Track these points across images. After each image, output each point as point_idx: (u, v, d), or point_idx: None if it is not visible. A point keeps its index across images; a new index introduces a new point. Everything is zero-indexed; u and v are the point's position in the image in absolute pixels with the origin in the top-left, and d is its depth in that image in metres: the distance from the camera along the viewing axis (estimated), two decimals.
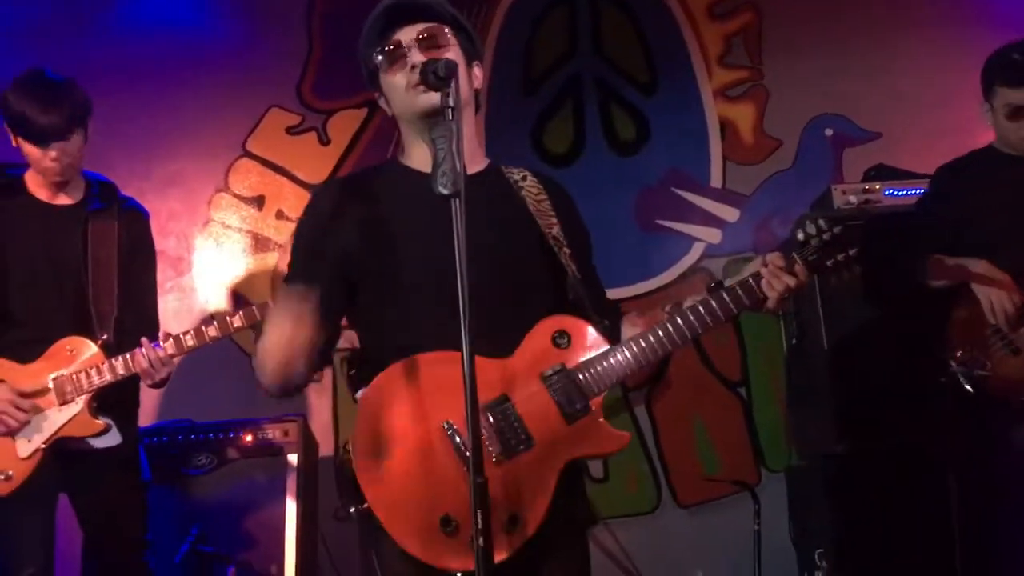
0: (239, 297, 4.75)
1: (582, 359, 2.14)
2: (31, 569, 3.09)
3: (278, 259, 2.30)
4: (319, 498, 3.92)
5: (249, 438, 3.76)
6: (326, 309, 2.14)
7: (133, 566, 3.23)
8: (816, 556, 3.98)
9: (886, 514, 3.78)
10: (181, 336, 3.17)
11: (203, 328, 3.19)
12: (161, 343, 3.15)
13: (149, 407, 4.39)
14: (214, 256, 4.79)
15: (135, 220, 3.45)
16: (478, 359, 2.00)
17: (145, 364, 3.12)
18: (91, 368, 3.14)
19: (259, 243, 4.81)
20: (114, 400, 3.22)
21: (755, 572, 4.19)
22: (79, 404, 3.13)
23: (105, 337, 3.20)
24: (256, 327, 3.04)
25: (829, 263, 2.22)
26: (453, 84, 1.97)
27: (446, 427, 2.03)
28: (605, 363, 2.14)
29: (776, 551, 4.27)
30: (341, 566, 4.03)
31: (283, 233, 4.81)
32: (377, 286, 2.21)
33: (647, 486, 4.61)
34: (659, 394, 4.68)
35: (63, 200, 3.35)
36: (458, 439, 2.01)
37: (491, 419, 2.05)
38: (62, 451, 3.14)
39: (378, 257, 2.21)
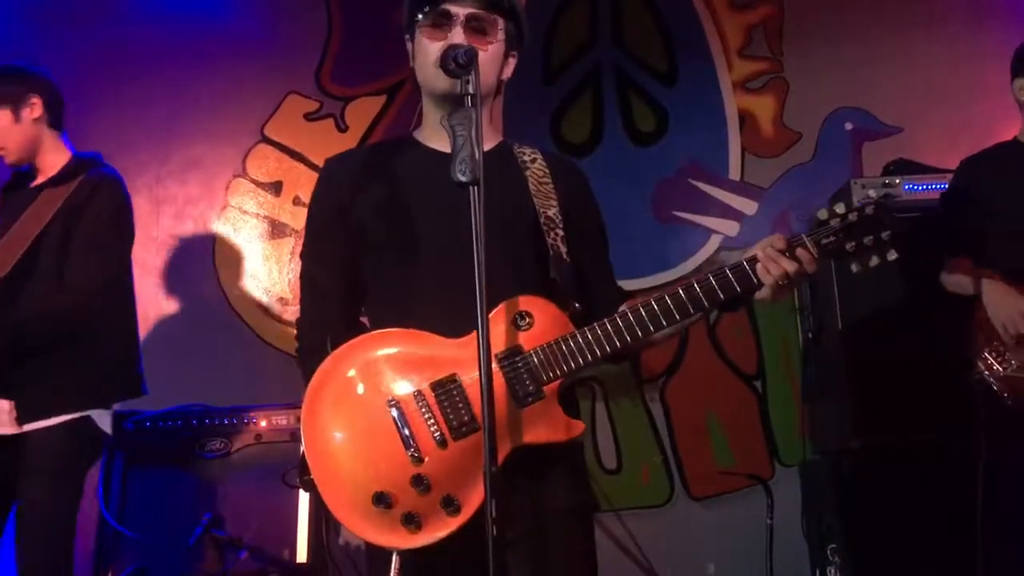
0: (255, 281, 4.76)
1: (541, 342, 2.04)
2: None
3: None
4: None
5: (263, 423, 3.78)
6: (349, 284, 2.23)
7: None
8: (829, 552, 3.96)
9: (900, 511, 3.76)
10: None
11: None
12: None
13: (164, 391, 4.41)
14: (231, 241, 4.80)
15: (90, 187, 3.27)
16: (433, 336, 2.06)
17: None
18: None
19: (276, 229, 4.83)
20: (27, 388, 3.12)
21: (767, 566, 4.19)
22: None
23: None
24: None
25: (850, 246, 2.03)
26: (473, 73, 1.95)
27: (390, 404, 2.01)
28: (564, 347, 2.03)
29: (788, 546, 4.25)
30: (352, 551, 4.04)
31: (300, 219, 4.82)
32: (382, 261, 2.22)
33: (660, 478, 4.60)
34: (674, 386, 4.67)
35: (36, 182, 3.36)
36: (397, 417, 1.99)
37: (435, 399, 2.01)
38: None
39: (385, 233, 2.20)
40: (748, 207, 4.82)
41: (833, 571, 3.92)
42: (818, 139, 4.85)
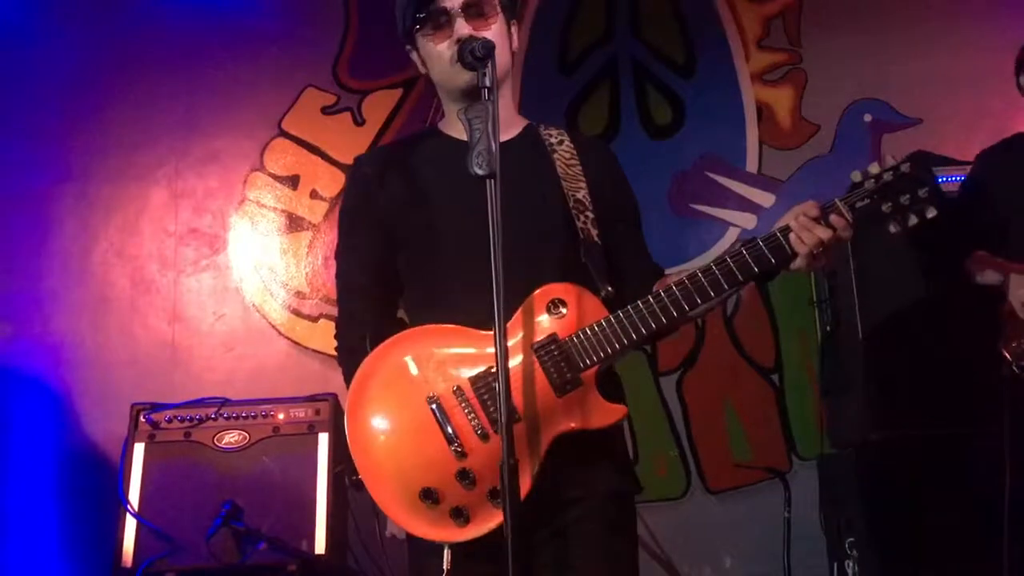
0: (272, 275, 4.78)
1: (576, 328, 2.04)
2: None
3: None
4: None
5: (281, 416, 3.79)
6: (384, 280, 2.25)
7: None
8: (847, 545, 3.95)
9: (918, 504, 3.74)
10: None
11: None
12: None
13: (184, 384, 4.44)
14: (249, 235, 4.82)
15: None
16: (469, 330, 2.06)
17: None
18: None
19: (293, 222, 4.84)
20: None
21: (784, 560, 4.18)
22: None
23: None
24: None
25: (887, 207, 1.97)
26: (490, 64, 1.95)
27: (430, 401, 2.02)
28: (600, 332, 2.03)
29: (806, 539, 4.24)
30: (370, 543, 4.06)
31: (317, 213, 4.83)
32: (413, 255, 2.24)
33: (677, 471, 4.59)
34: (690, 379, 4.66)
35: None
36: (438, 413, 2.00)
37: (474, 392, 2.01)
38: None
39: (414, 227, 2.22)
40: (766, 199, 4.80)
41: (851, 565, 3.91)
42: (837, 131, 4.82)
